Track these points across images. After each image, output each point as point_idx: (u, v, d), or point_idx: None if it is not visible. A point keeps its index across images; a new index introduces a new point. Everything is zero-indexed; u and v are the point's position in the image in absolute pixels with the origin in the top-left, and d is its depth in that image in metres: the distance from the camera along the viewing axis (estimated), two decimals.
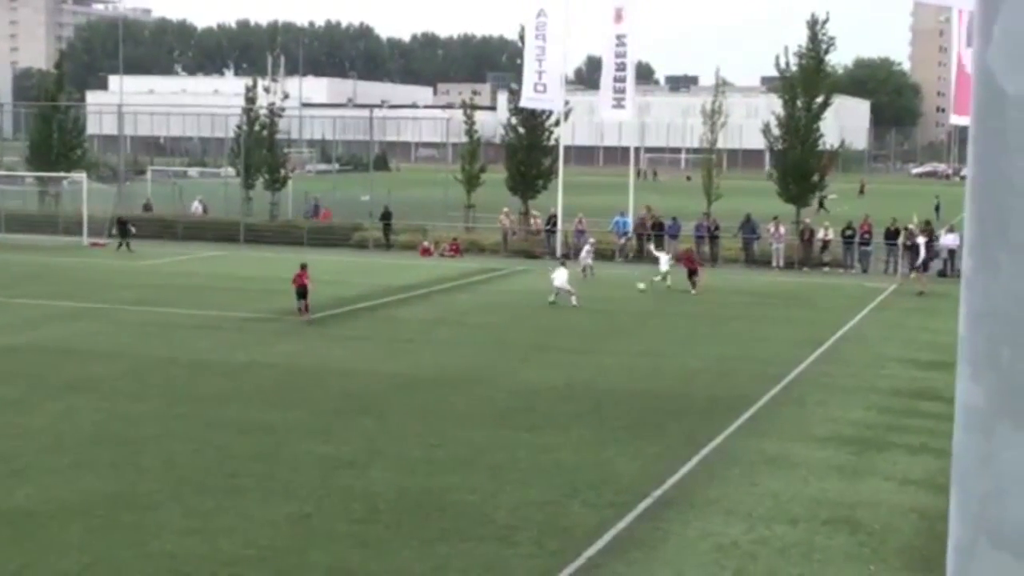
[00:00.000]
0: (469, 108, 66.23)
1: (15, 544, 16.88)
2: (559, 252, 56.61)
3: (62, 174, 69.79)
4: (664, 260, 46.96)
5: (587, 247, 50.15)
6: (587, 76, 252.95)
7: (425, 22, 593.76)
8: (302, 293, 38.04)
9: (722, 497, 19.88)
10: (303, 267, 38.70)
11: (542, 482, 20.38)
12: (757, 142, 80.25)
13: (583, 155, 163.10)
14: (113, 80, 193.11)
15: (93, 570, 16.13)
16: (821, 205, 74.23)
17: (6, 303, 40.14)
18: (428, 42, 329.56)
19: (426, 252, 59.08)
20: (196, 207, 70.33)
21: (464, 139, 66.77)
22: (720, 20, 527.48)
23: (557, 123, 63.04)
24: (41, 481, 19.84)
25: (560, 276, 42.25)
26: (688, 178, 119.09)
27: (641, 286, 45.69)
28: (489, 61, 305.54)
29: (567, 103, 63.83)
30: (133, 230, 58.09)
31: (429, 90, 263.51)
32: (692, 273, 45.63)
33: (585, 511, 18.93)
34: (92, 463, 21.02)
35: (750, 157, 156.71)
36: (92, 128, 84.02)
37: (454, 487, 20.01)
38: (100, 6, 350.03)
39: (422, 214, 66.40)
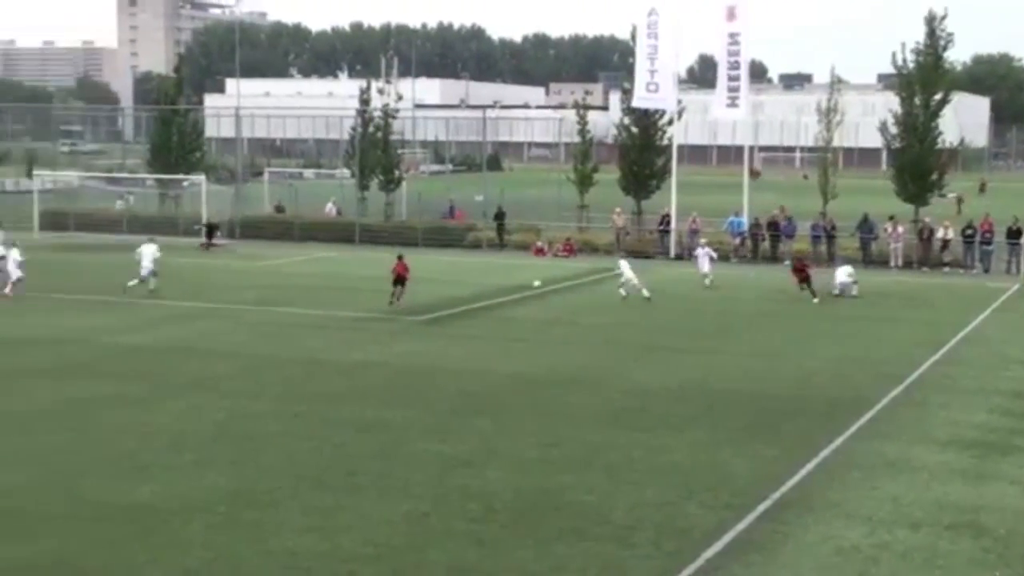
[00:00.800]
0: (581, 108, 66.11)
1: (140, 540, 17.18)
2: (672, 252, 56.42)
3: (181, 176, 70.92)
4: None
5: (704, 253, 48.26)
6: (699, 75, 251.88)
7: (536, 23, 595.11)
8: (399, 281, 40.22)
9: (842, 500, 19.65)
10: (400, 258, 40.85)
11: (658, 483, 20.31)
12: (873, 140, 79.17)
13: (696, 154, 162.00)
14: (230, 83, 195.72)
15: (215, 566, 16.36)
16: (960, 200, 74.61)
17: (129, 303, 40.86)
18: (540, 42, 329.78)
19: (540, 252, 59.15)
20: (330, 209, 70.90)
21: (576, 139, 66.68)
22: (835, 17, 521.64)
23: (670, 122, 62.70)
24: (164, 478, 20.18)
25: (626, 269, 43.26)
26: (805, 177, 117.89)
27: (536, 283, 46.10)
28: (601, 61, 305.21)
29: (680, 102, 63.56)
30: (219, 234, 59.14)
31: (541, 90, 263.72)
32: (804, 280, 43.46)
33: (702, 512, 18.83)
34: (213, 460, 21.34)
35: (866, 155, 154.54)
36: (210, 131, 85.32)
37: (570, 487, 20.01)
38: (217, 10, 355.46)
39: (535, 214, 66.48)
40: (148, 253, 42.90)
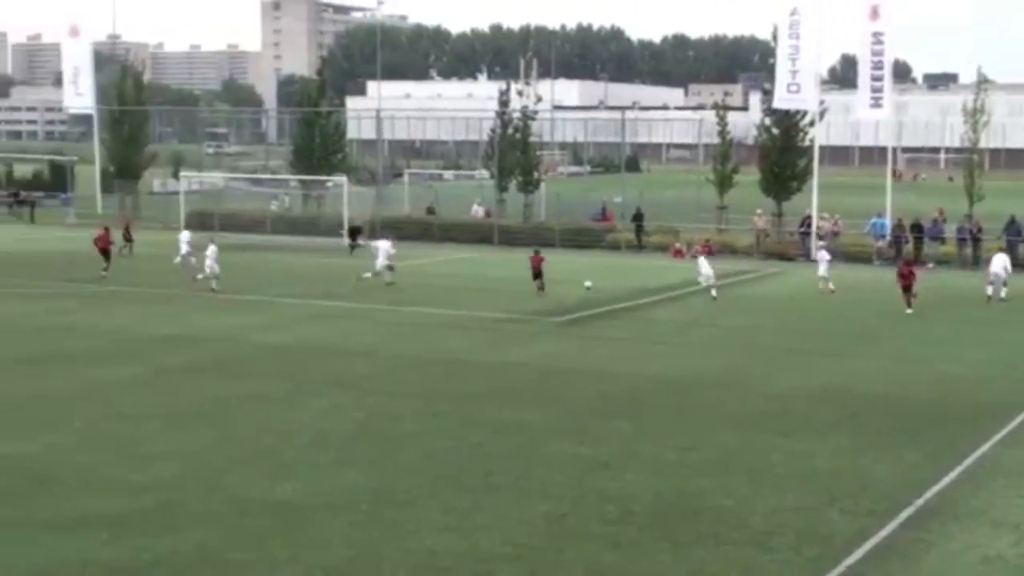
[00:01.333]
0: (721, 109, 65.65)
1: (282, 536, 17.45)
2: (813, 254, 55.70)
3: (324, 178, 71.88)
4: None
5: (823, 255, 46.79)
6: (841, 75, 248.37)
7: (676, 23, 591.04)
8: (538, 275, 43.34)
9: (988, 508, 19.26)
10: (536, 252, 44.45)
11: (798, 488, 20.09)
12: (1022, 141, 77.40)
13: (838, 155, 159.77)
14: (371, 86, 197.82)
15: (356, 564, 16.55)
16: None
17: (271, 302, 41.54)
18: (679, 43, 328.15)
19: (678, 254, 58.85)
20: (476, 210, 71.36)
21: (716, 140, 66.23)
22: (981, 15, 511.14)
23: (812, 123, 61.93)
24: (306, 476, 20.46)
25: (704, 267, 43.63)
26: (950, 179, 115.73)
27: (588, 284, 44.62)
28: (740, 61, 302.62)
29: (821, 102, 62.77)
30: (362, 236, 59.77)
31: (680, 91, 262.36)
32: (907, 287, 40.76)
33: (843, 519, 18.57)
34: (354, 459, 21.58)
35: (1014, 157, 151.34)
36: (352, 133, 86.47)
37: (709, 491, 19.88)
38: (359, 14, 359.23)
39: (674, 215, 66.16)
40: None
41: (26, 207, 78.61)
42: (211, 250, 44.43)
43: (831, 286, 44.91)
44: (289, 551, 16.85)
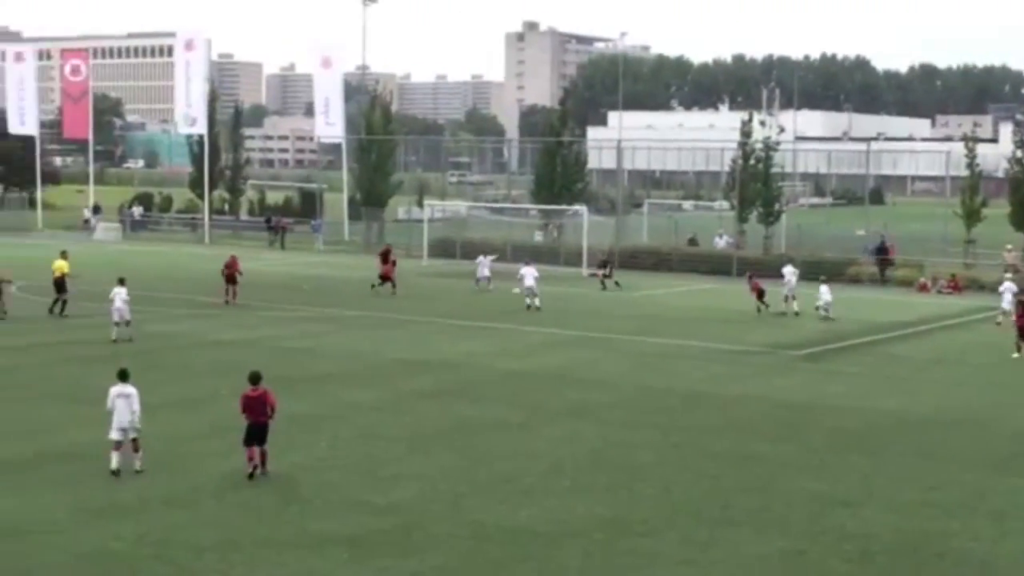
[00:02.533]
0: (970, 140, 63.94)
1: (520, 562, 17.63)
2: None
3: (564, 207, 72.42)
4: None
5: (1007, 287, 44.98)
6: None
7: (923, 53, 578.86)
8: (760, 295, 46.18)
9: None
10: (750, 277, 48.04)
11: None
12: None
13: None
14: (612, 116, 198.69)
15: None
16: None
17: (508, 329, 42.00)
18: (926, 73, 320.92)
19: (923, 288, 57.46)
20: (718, 242, 71.11)
21: (964, 173, 64.51)
22: None
23: None
24: (544, 503, 20.63)
25: (824, 294, 45.60)
26: None
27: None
28: (991, 92, 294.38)
29: None
30: (609, 269, 59.64)
31: (926, 122, 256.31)
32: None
33: None
34: (590, 487, 21.67)
35: None
36: (592, 162, 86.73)
37: (953, 533, 19.36)
38: (601, 44, 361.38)
39: (919, 249, 64.65)
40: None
41: (277, 233, 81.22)
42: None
43: (998, 319, 43.89)
44: None
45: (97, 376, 30.65)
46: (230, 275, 46.39)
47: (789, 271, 48.53)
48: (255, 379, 22.22)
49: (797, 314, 45.99)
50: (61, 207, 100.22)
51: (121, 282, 38.32)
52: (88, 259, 65.19)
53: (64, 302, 42.43)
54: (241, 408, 22.11)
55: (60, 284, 42.90)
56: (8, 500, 20.17)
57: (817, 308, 45.51)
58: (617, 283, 55.93)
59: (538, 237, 73.38)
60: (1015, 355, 37.64)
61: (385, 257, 52.48)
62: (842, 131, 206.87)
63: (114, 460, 21.49)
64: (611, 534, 18.96)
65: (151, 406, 21.88)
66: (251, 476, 21.56)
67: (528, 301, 46.72)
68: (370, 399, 29.35)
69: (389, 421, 26.97)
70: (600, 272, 57.18)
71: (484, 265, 54.47)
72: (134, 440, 21.73)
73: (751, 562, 17.78)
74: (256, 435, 21.80)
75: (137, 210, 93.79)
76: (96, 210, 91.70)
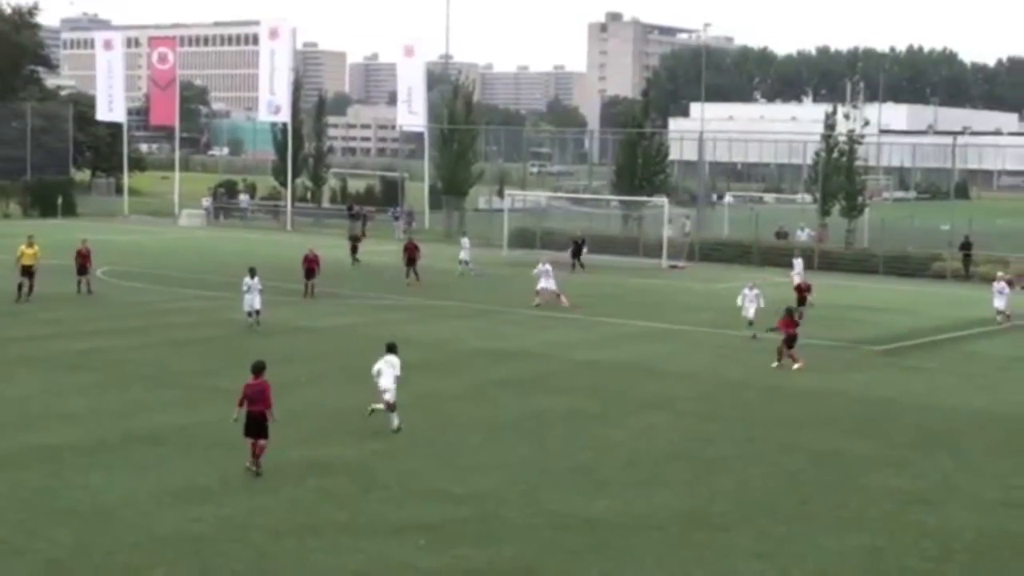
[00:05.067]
0: None
1: (595, 552, 17.69)
2: None
3: (644, 198, 72.21)
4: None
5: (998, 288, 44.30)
6: None
7: (1012, 46, 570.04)
8: (801, 301, 41.35)
9: None
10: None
11: None
12: None
13: None
14: (694, 107, 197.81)
15: None
16: None
17: (588, 320, 42.03)
18: (1015, 66, 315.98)
19: (1009, 284, 56.61)
20: (800, 235, 70.59)
21: None
22: None
23: None
24: (620, 494, 20.66)
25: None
26: None
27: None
28: None
29: None
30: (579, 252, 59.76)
31: (1014, 116, 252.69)
32: None
33: None
34: (667, 480, 21.68)
35: None
36: (673, 154, 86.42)
37: None
38: (684, 35, 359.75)
39: (1005, 245, 63.83)
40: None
41: (359, 221, 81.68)
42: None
43: (997, 318, 43.31)
44: (601, 567, 17.07)
45: (182, 361, 31.15)
46: (309, 269, 45.93)
47: (799, 263, 48.49)
48: (257, 369, 21.45)
49: (812, 305, 45.28)
50: (146, 193, 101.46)
51: (252, 273, 37.93)
52: (173, 245, 66.07)
53: (31, 288, 41.90)
54: (240, 398, 21.26)
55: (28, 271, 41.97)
56: (96, 479, 20.55)
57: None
58: (582, 266, 58.31)
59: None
60: None
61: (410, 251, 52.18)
62: (927, 125, 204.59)
63: (394, 420, 24.30)
64: (687, 527, 18.97)
65: (232, 391, 22.11)
66: (253, 471, 21.03)
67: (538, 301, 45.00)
68: (449, 388, 29.52)
69: (468, 410, 27.10)
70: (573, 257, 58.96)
71: (544, 274, 46.61)
72: (392, 405, 24.27)
73: (828, 558, 17.71)
74: (255, 426, 21.05)
75: (244, 197, 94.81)
76: (216, 195, 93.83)
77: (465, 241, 57.40)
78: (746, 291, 38.97)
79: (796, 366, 32.98)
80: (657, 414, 27.34)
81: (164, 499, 19.61)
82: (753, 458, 23.42)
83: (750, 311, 38.42)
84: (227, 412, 21.71)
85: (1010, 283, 46.16)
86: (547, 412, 27.11)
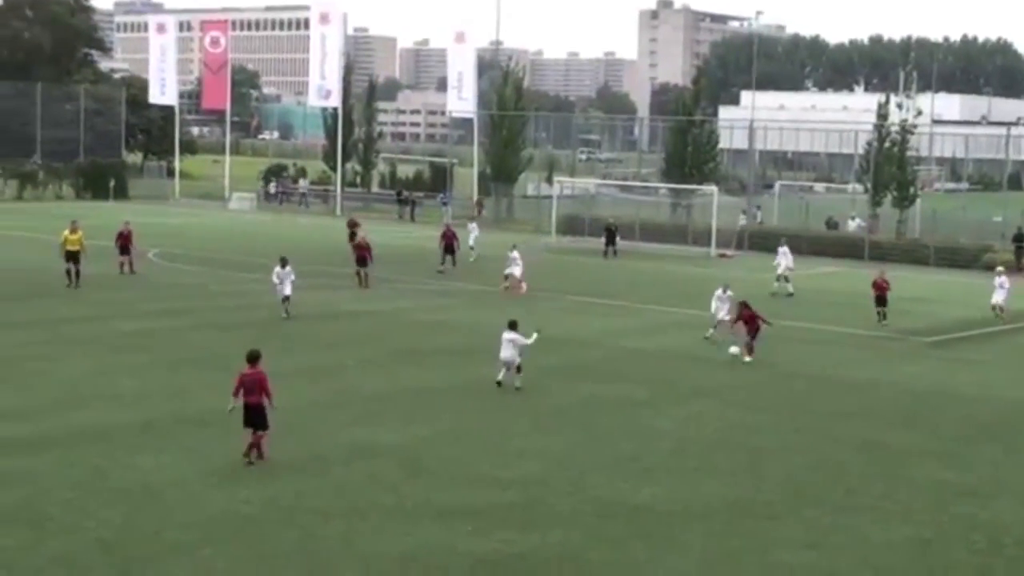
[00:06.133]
0: None
1: (642, 540, 17.67)
2: None
3: (694, 186, 71.98)
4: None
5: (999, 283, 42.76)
6: None
7: None
8: (881, 300, 39.89)
9: None
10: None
11: None
12: None
13: None
14: (745, 95, 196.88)
15: (713, 572, 16.61)
16: None
17: (636, 308, 42.00)
18: None
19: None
20: (851, 225, 70.29)
21: None
22: None
23: None
24: (666, 482, 20.65)
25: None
26: None
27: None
28: None
29: None
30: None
31: None
32: None
33: None
34: (714, 469, 21.63)
35: None
36: (723, 142, 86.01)
37: None
38: (736, 23, 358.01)
39: None
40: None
41: (407, 206, 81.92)
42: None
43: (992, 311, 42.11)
44: (647, 555, 17.07)
45: (230, 344, 31.27)
46: (360, 257, 44.65)
47: (782, 251, 48.12)
48: (252, 358, 20.97)
49: (791, 295, 45.74)
50: (197, 176, 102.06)
51: (283, 262, 37.36)
52: (224, 229, 66.40)
53: (78, 273, 41.64)
54: (236, 387, 20.83)
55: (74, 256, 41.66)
56: (146, 460, 20.71)
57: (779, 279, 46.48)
58: (615, 253, 58.59)
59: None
60: None
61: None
62: (981, 115, 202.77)
63: (501, 374, 27.50)
64: (733, 516, 18.93)
65: (280, 374, 22.25)
66: (250, 462, 20.64)
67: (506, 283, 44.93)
68: (494, 375, 29.50)
69: (514, 396, 27.11)
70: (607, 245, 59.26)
71: (512, 261, 45.61)
72: (518, 368, 27.44)
73: (875, 549, 17.63)
74: (252, 417, 20.64)
75: (304, 182, 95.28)
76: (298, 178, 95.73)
77: (472, 226, 57.53)
78: (719, 292, 36.92)
79: (747, 359, 32.32)
80: (704, 402, 27.29)
81: (211, 480, 19.74)
82: (800, 448, 23.34)
83: (722, 311, 36.14)
84: (273, 396, 21.74)
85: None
86: (594, 399, 27.10)
